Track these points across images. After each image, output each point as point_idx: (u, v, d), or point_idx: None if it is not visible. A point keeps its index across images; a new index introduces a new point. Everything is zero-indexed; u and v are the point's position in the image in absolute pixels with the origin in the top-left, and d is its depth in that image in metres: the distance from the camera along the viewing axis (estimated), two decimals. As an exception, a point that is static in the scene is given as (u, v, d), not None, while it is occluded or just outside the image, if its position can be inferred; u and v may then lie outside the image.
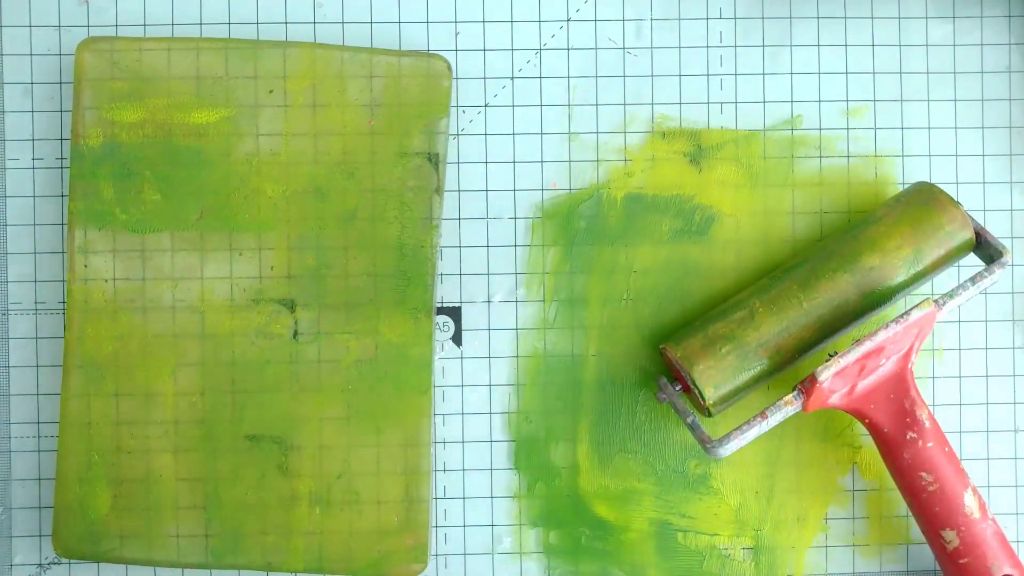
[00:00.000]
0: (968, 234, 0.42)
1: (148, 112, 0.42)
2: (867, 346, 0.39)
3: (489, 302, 0.44)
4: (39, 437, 0.43)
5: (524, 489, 0.44)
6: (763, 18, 0.45)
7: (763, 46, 0.45)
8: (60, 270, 0.43)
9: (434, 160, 0.43)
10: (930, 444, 0.41)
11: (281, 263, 0.43)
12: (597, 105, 0.44)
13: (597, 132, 0.44)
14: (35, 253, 0.43)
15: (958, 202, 0.42)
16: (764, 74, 0.45)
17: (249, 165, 0.42)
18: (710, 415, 0.42)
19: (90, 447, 0.42)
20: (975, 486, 0.42)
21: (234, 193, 0.42)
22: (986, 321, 0.45)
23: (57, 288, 0.43)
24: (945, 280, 0.45)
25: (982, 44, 0.45)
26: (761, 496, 0.45)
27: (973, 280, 0.42)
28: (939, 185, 0.43)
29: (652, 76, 0.45)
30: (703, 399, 0.41)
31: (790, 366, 0.42)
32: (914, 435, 0.41)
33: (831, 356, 0.40)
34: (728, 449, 0.40)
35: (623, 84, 0.44)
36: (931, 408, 0.45)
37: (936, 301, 0.40)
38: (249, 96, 0.42)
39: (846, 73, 0.45)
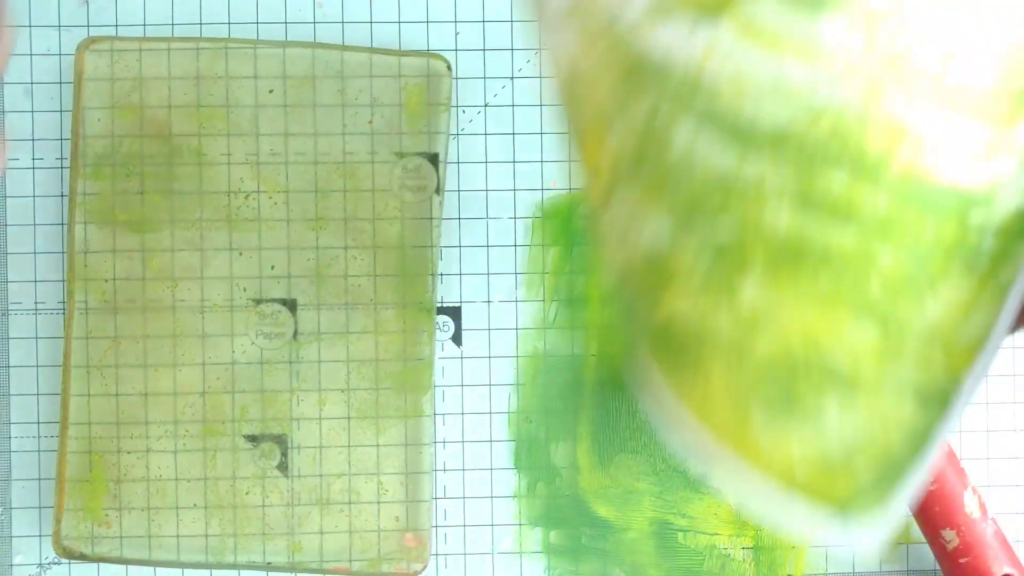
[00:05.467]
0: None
1: (148, 112, 0.42)
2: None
3: (489, 302, 0.44)
4: (39, 437, 0.43)
5: (524, 489, 0.44)
6: (763, 18, 0.45)
7: (763, 46, 0.45)
8: (60, 270, 0.43)
9: (434, 160, 0.43)
10: (930, 444, 0.41)
11: (281, 263, 0.43)
12: (597, 105, 0.44)
13: (597, 132, 0.44)
14: (35, 253, 0.43)
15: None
16: (764, 74, 0.45)
17: (249, 165, 0.42)
18: (710, 415, 0.42)
19: (90, 447, 0.42)
20: (975, 486, 0.42)
21: (235, 193, 0.42)
22: (986, 321, 0.45)
23: (57, 288, 0.43)
24: (945, 280, 0.45)
25: (982, 44, 0.45)
26: (761, 496, 0.45)
27: (973, 280, 0.42)
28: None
29: (652, 76, 0.44)
30: (703, 399, 0.41)
31: (790, 366, 0.42)
32: (914, 435, 0.41)
33: (831, 356, 0.40)
34: (728, 449, 0.40)
35: (623, 84, 0.44)
36: (931, 408, 0.45)
37: (936, 301, 0.40)
38: (249, 96, 0.42)
39: (846, 73, 0.45)
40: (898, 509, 0.22)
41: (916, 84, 0.18)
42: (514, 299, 0.44)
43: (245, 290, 0.42)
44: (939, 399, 0.21)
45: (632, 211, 0.21)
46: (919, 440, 0.21)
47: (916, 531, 0.45)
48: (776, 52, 0.18)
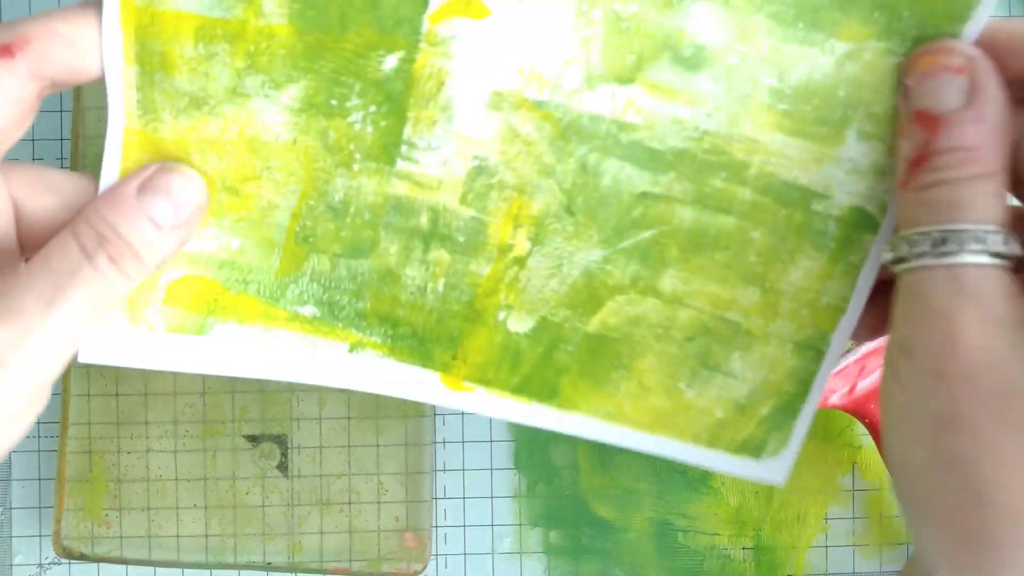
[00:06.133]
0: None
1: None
2: (867, 346, 0.39)
3: (489, 302, 0.44)
4: (39, 437, 0.43)
5: (524, 489, 0.44)
6: (763, 18, 0.45)
7: (763, 46, 0.45)
8: (60, 270, 0.43)
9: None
10: (930, 444, 0.41)
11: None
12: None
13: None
14: (35, 253, 0.43)
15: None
16: (764, 74, 0.45)
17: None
18: (710, 415, 0.42)
19: (90, 447, 0.42)
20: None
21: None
22: (986, 321, 0.45)
23: (57, 288, 0.43)
24: (945, 280, 0.45)
25: (982, 44, 0.45)
26: (761, 496, 0.45)
27: (973, 280, 0.42)
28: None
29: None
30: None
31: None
32: (914, 435, 0.41)
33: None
34: (728, 449, 0.40)
35: (623, 84, 0.44)
36: (931, 408, 0.45)
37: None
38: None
39: (846, 73, 0.45)
40: (797, 441, 0.30)
41: (759, 113, 0.27)
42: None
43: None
44: (813, 349, 0.29)
45: (561, 250, 0.29)
46: (801, 381, 0.30)
47: (916, 531, 0.45)
48: (671, 100, 0.27)
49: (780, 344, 0.29)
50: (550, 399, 0.31)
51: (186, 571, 0.43)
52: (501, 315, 0.30)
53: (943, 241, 0.23)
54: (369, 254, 0.29)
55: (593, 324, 0.30)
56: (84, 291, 0.26)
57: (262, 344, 0.30)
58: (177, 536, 0.42)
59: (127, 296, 0.29)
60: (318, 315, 0.30)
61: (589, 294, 0.29)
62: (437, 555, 0.44)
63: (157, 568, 0.43)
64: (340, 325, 0.30)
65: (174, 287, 0.30)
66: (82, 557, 0.42)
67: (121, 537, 0.42)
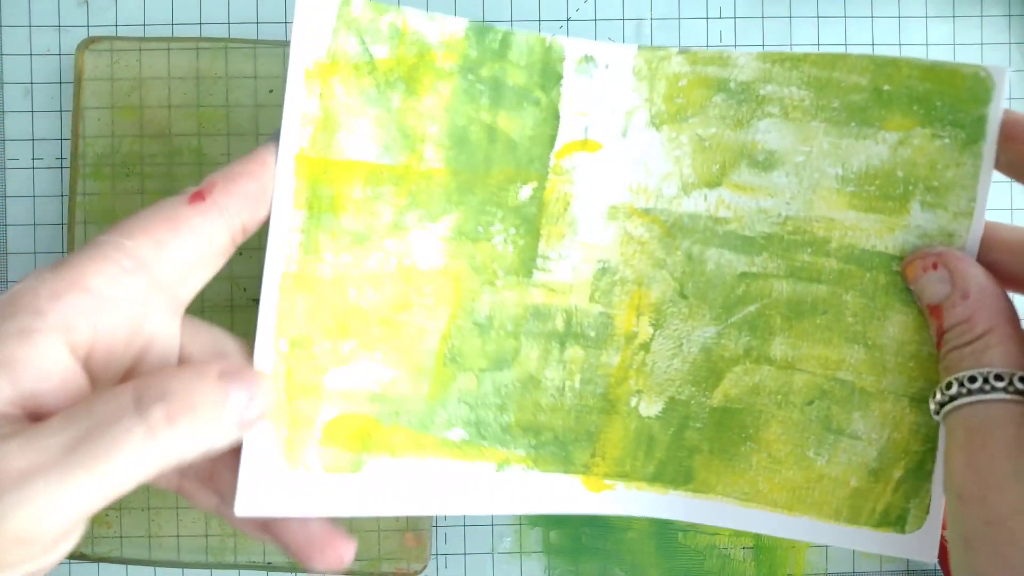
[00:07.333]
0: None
1: (148, 112, 0.42)
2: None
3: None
4: (39, 437, 0.43)
5: (524, 489, 0.44)
6: (763, 18, 0.45)
7: (763, 46, 0.45)
8: (60, 270, 0.43)
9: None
10: (930, 444, 0.41)
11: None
12: (597, 105, 0.44)
13: (597, 132, 0.44)
14: (35, 253, 0.43)
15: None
16: (764, 74, 0.45)
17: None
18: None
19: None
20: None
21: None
22: (986, 321, 0.45)
23: (57, 288, 0.43)
24: (945, 280, 0.45)
25: (982, 43, 0.45)
26: (761, 496, 0.45)
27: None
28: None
29: (652, 76, 0.45)
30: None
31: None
32: (914, 435, 0.41)
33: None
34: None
35: (623, 84, 0.44)
36: (931, 408, 0.45)
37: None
38: (249, 96, 0.42)
39: (846, 73, 0.45)
40: (938, 510, 0.32)
41: (830, 196, 0.32)
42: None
43: (245, 290, 0.42)
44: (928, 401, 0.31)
45: (680, 330, 0.33)
46: (926, 437, 0.32)
47: (916, 531, 0.45)
48: (753, 194, 0.32)
49: (896, 400, 0.32)
50: (686, 483, 0.33)
51: (186, 571, 0.43)
52: (633, 401, 0.33)
53: (948, 387, 0.28)
54: (512, 363, 0.33)
55: (716, 397, 0.33)
56: (120, 446, 0.23)
57: (413, 477, 0.32)
58: (177, 536, 0.42)
59: (284, 439, 0.30)
60: (466, 437, 0.32)
61: (709, 368, 0.33)
62: (437, 555, 0.44)
63: (157, 568, 0.43)
64: (486, 444, 0.33)
65: (330, 427, 0.31)
66: (82, 557, 0.42)
67: (121, 537, 0.42)
